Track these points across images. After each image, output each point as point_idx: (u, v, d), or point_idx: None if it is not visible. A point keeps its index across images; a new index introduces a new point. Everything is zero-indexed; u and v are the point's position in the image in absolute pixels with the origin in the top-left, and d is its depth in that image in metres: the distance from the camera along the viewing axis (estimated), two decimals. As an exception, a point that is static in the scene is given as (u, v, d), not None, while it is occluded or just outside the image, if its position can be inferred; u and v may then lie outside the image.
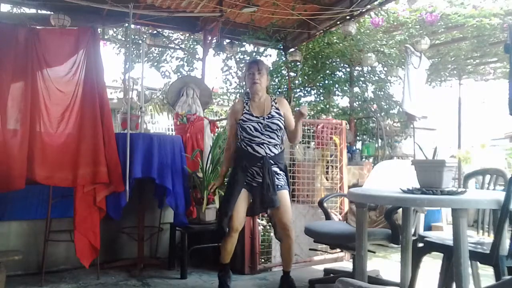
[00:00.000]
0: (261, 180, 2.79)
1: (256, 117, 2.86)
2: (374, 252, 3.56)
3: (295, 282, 3.00)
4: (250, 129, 2.83)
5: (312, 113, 6.98)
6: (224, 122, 7.01)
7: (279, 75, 6.82)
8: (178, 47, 7.07)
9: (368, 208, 2.51)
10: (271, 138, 2.84)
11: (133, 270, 3.42)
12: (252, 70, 2.87)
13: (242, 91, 6.70)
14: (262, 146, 2.83)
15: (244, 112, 2.90)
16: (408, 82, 5.48)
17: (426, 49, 5.51)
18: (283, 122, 2.88)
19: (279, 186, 2.84)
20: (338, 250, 3.68)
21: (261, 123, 2.83)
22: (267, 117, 2.85)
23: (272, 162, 2.82)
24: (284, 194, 2.87)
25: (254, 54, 6.43)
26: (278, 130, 2.86)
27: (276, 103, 2.93)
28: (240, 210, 2.82)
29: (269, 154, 2.82)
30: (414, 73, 5.50)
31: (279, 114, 2.88)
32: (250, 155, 2.83)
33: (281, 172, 2.89)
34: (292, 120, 2.90)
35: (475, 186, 3.17)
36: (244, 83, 3.04)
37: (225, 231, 2.81)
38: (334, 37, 6.33)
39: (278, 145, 2.89)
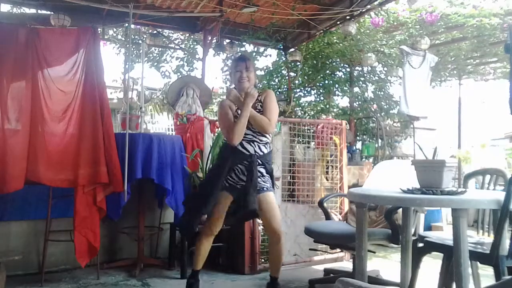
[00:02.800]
0: (244, 182, 2.67)
1: None
2: (374, 252, 3.56)
3: None
4: None
5: (312, 113, 6.99)
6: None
7: (279, 75, 6.82)
8: (178, 47, 7.08)
9: (368, 208, 2.51)
10: (262, 135, 2.74)
11: (133, 270, 3.42)
12: (240, 68, 2.76)
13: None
14: (252, 144, 2.72)
15: (237, 107, 2.78)
16: (404, 85, 5.48)
17: (426, 49, 5.51)
18: None
19: (264, 188, 2.70)
20: (338, 250, 3.68)
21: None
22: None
23: (259, 162, 2.71)
24: (271, 197, 2.74)
25: (254, 54, 6.43)
26: None
27: (260, 97, 2.78)
28: (221, 214, 2.72)
29: (258, 153, 2.71)
30: (413, 73, 5.49)
31: (262, 107, 2.75)
32: (238, 152, 2.70)
33: (266, 175, 2.75)
34: (266, 109, 2.72)
35: (475, 186, 3.17)
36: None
37: (194, 230, 2.76)
38: (334, 37, 6.33)
39: (268, 144, 2.78)
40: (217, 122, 4.61)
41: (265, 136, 2.76)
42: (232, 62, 2.95)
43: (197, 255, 2.82)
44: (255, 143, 2.72)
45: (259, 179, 2.68)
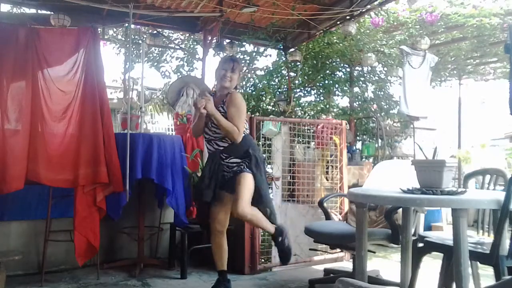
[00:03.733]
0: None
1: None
2: (374, 252, 3.56)
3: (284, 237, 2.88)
4: (205, 127, 2.81)
5: (312, 113, 6.99)
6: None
7: (279, 75, 6.83)
8: (178, 47, 7.08)
9: (368, 208, 2.51)
10: (216, 133, 2.76)
11: (133, 270, 3.41)
12: (226, 67, 2.80)
13: (242, 91, 6.71)
14: (211, 143, 2.79)
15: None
16: (404, 85, 5.48)
17: (426, 49, 5.51)
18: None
19: (238, 171, 2.70)
20: (338, 250, 3.68)
21: (210, 119, 2.75)
22: None
23: (225, 155, 2.73)
24: (242, 177, 2.67)
25: (254, 54, 6.44)
26: None
27: (226, 97, 2.79)
28: (217, 210, 2.78)
29: (218, 148, 2.76)
30: (413, 73, 5.50)
31: (224, 110, 2.76)
32: (208, 154, 2.85)
33: (241, 161, 2.73)
34: (231, 119, 2.70)
35: (475, 186, 3.17)
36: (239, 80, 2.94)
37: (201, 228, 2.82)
38: (334, 37, 6.34)
39: (226, 138, 2.74)
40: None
41: (221, 133, 2.74)
42: (221, 59, 2.99)
43: (213, 255, 2.86)
44: (212, 141, 2.79)
45: (234, 167, 2.73)
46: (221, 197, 2.78)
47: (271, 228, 2.79)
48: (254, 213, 2.68)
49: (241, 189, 2.62)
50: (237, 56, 6.32)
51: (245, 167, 2.71)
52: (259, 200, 2.73)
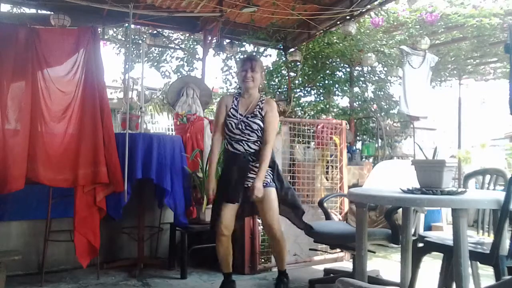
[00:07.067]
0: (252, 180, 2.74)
1: (240, 114, 2.80)
2: (374, 252, 3.56)
3: (288, 282, 2.94)
4: (231, 126, 2.77)
5: (312, 113, 6.99)
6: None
7: (279, 75, 6.83)
8: (178, 47, 7.09)
9: (368, 208, 2.51)
10: (250, 136, 2.77)
11: (133, 270, 3.41)
12: (246, 67, 2.79)
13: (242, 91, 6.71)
14: (241, 143, 2.76)
15: (231, 107, 2.84)
16: (404, 85, 5.48)
17: (426, 49, 5.52)
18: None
19: (264, 184, 2.72)
20: (338, 250, 3.68)
21: (243, 122, 2.77)
22: (250, 116, 2.78)
23: (253, 158, 2.76)
24: (269, 192, 2.75)
25: (254, 54, 6.43)
26: (258, 130, 2.76)
27: (262, 103, 2.82)
28: (226, 213, 2.75)
29: (248, 150, 2.76)
30: (413, 73, 5.50)
31: (261, 115, 2.79)
32: (231, 154, 2.78)
33: (268, 169, 2.78)
34: (268, 124, 2.78)
35: (475, 186, 3.17)
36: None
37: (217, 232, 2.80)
38: (334, 37, 6.34)
39: (258, 142, 2.78)
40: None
41: (253, 137, 2.77)
42: (239, 61, 3.03)
43: (218, 257, 2.85)
44: (243, 142, 2.77)
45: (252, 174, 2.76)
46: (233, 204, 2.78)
47: (284, 263, 2.91)
48: (283, 234, 2.83)
49: (272, 202, 2.75)
50: (237, 56, 6.33)
51: (271, 180, 2.80)
52: (295, 203, 2.93)
